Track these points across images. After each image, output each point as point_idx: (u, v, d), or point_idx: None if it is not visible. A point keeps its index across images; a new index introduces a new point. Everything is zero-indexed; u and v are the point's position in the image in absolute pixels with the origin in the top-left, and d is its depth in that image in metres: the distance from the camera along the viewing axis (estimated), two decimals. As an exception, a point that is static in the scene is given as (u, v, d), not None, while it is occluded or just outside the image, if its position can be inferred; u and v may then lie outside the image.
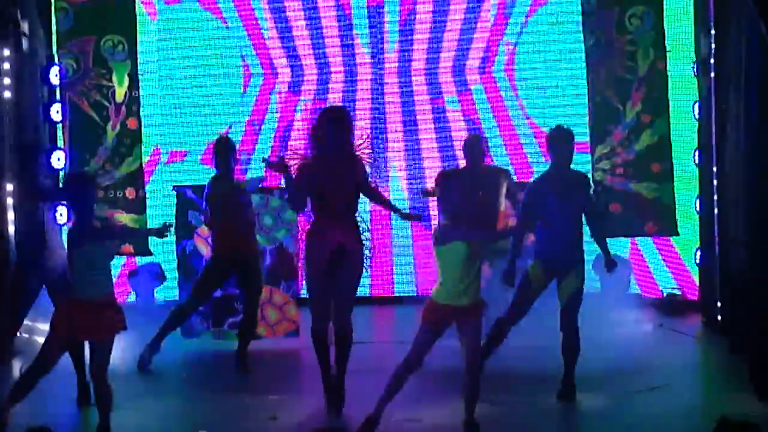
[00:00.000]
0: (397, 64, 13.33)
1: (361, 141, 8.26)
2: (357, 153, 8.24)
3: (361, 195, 8.31)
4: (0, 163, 9.77)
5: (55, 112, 10.93)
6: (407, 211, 8.47)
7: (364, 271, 8.37)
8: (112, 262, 7.87)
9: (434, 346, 8.89)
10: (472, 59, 13.27)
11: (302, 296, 10.74)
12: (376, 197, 8.54)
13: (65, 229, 10.40)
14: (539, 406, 8.74)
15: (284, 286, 10.79)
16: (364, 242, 8.35)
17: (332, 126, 8.06)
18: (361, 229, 8.39)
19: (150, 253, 10.00)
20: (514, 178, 10.94)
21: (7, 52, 10.20)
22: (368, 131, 12.56)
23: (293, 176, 8.07)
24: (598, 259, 9.85)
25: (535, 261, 8.59)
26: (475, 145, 10.39)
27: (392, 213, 8.70)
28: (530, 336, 9.52)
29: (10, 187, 9.81)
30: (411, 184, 13.30)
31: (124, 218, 9.69)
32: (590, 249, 9.10)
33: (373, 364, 9.53)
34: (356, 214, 8.33)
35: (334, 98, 13.25)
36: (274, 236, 10.59)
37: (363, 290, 12.67)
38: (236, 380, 9.43)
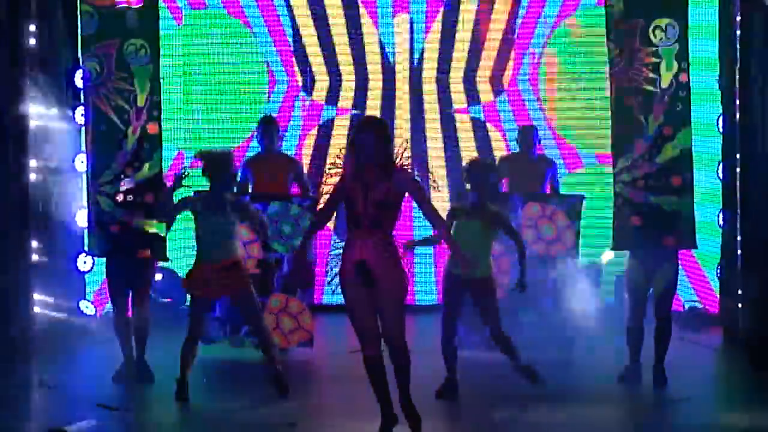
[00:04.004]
0: (422, 73, 13.33)
1: (399, 152, 7.87)
2: (398, 165, 7.84)
3: (394, 209, 7.89)
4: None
5: (80, 115, 10.98)
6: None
7: (403, 286, 7.81)
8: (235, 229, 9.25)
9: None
10: (497, 69, 13.27)
11: (317, 305, 10.75)
12: (428, 211, 7.96)
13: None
14: (557, 418, 8.71)
15: (300, 294, 10.74)
16: (396, 258, 7.83)
17: (361, 136, 7.81)
18: (393, 248, 7.83)
19: (167, 259, 9.98)
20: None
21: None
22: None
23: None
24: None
25: None
26: (527, 134, 11.34)
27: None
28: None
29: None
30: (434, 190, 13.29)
31: (143, 224, 9.68)
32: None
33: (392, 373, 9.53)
34: (388, 230, 7.84)
35: (358, 105, 13.28)
36: (292, 244, 10.56)
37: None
38: (253, 387, 9.42)
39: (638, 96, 9.54)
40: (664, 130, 9.51)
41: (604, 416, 8.77)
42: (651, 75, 9.52)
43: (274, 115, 12.80)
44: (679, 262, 9.75)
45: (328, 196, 8.00)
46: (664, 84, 9.51)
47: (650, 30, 9.54)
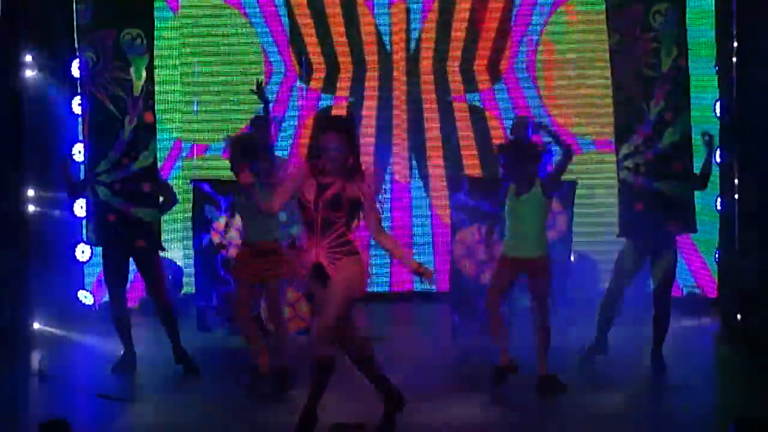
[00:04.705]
0: (419, 61, 13.29)
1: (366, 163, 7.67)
2: (361, 169, 7.59)
3: (349, 211, 7.58)
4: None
5: (77, 104, 10.97)
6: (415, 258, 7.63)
7: (354, 285, 7.60)
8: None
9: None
10: (495, 56, 13.23)
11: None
12: (371, 219, 7.61)
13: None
14: (554, 404, 8.72)
15: (296, 282, 10.70)
16: (352, 256, 7.61)
17: (320, 134, 7.62)
18: (349, 248, 7.62)
19: (162, 249, 9.98)
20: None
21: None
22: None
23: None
24: None
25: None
26: (520, 127, 11.10)
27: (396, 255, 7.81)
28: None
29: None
30: (432, 178, 13.29)
31: (138, 212, 9.69)
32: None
33: (393, 361, 9.55)
34: (344, 229, 7.58)
35: (355, 94, 13.25)
36: (288, 232, 10.54)
37: (383, 287, 12.77)
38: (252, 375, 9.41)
39: (639, 81, 9.54)
40: (664, 115, 9.51)
41: (601, 402, 8.79)
42: (651, 60, 9.52)
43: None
44: (677, 247, 9.77)
45: (283, 182, 7.90)
46: (664, 69, 9.51)
47: (650, 15, 9.53)
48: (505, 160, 9.07)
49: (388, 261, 12.60)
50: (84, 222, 10.48)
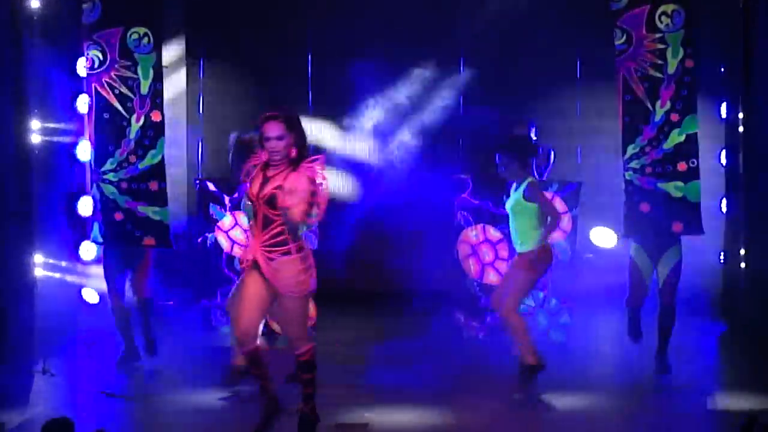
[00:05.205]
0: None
1: (314, 158, 7.39)
2: (308, 163, 7.35)
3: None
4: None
5: (83, 103, 10.98)
6: None
7: (297, 286, 7.41)
8: None
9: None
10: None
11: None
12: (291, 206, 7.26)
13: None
14: (560, 405, 8.71)
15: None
16: (291, 256, 7.37)
17: (266, 127, 7.38)
18: (286, 249, 7.38)
19: (171, 246, 9.99)
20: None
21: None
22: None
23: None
24: None
25: None
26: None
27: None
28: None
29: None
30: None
31: (146, 210, 9.70)
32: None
33: (394, 361, 9.56)
34: (283, 233, 7.34)
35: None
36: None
37: (383, 286, 12.75)
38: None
39: (645, 82, 9.56)
40: (671, 116, 9.54)
41: (605, 402, 8.79)
42: (658, 61, 9.54)
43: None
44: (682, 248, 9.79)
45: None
46: (671, 70, 9.53)
47: (657, 16, 9.55)
48: (496, 157, 9.10)
49: (388, 261, 12.59)
50: (90, 220, 10.47)
